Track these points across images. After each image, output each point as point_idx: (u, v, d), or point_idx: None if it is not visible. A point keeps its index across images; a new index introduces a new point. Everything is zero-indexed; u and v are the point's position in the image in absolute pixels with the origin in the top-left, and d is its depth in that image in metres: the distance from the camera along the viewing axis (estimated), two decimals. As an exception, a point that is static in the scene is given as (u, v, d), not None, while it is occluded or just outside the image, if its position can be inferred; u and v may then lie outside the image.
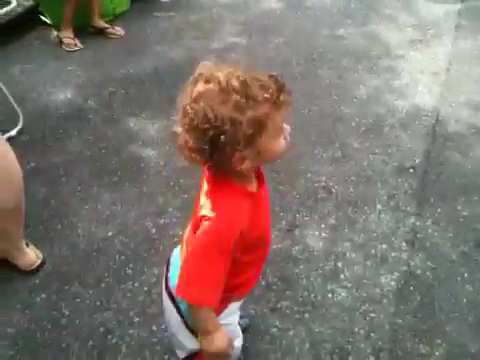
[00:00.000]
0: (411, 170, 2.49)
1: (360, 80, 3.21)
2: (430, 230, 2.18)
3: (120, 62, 3.51)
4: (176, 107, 1.07)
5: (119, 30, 3.90)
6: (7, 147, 1.78)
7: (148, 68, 3.42)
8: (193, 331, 1.33)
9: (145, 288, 1.98)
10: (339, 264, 2.05)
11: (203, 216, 1.11)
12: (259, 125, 1.02)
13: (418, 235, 2.16)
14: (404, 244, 2.12)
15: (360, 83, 3.18)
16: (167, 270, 1.37)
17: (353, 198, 2.35)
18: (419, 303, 1.89)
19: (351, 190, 2.40)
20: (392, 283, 1.97)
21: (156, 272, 2.04)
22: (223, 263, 1.14)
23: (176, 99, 1.07)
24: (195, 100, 1.03)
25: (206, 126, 1.00)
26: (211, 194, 1.14)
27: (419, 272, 2.01)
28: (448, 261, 2.05)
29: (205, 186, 1.18)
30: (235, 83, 1.01)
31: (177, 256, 1.35)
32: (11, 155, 1.79)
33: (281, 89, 1.05)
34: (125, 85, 3.24)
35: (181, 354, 1.44)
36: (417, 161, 2.55)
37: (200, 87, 1.04)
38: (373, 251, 2.10)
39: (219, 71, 1.04)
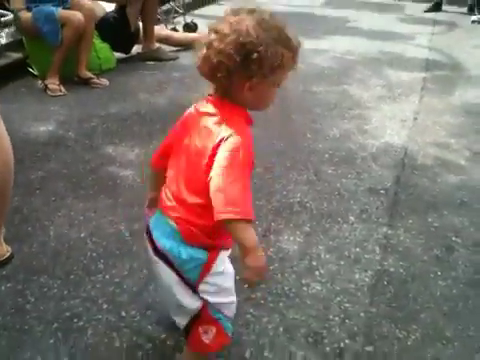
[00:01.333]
0: (382, 191, 2.56)
1: (332, 124, 3.36)
2: (402, 237, 2.21)
3: (103, 104, 3.62)
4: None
5: (104, 81, 4.05)
6: (5, 133, 1.82)
7: (130, 110, 3.53)
8: (192, 287, 1.34)
9: (116, 280, 1.94)
10: (314, 263, 2.05)
11: (226, 137, 1.21)
12: (282, 61, 1.21)
13: (391, 241, 2.19)
14: (377, 248, 2.14)
15: (332, 126, 3.33)
16: (150, 236, 1.37)
17: (327, 212, 2.39)
18: (393, 295, 1.88)
19: (325, 205, 2.44)
20: (366, 279, 1.96)
21: (128, 267, 2.00)
22: (249, 177, 1.22)
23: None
24: (239, 21, 1.19)
25: (247, 40, 1.17)
26: (227, 119, 1.25)
27: (392, 270, 2.01)
28: (421, 261, 2.06)
29: (208, 120, 1.28)
30: (276, 23, 1.22)
31: (158, 220, 1.36)
32: (7, 142, 1.83)
33: (297, 50, 1.26)
34: (106, 121, 3.33)
35: (183, 321, 1.41)
36: (388, 185, 2.62)
37: (244, 15, 1.22)
38: (347, 253, 2.11)
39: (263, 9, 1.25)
